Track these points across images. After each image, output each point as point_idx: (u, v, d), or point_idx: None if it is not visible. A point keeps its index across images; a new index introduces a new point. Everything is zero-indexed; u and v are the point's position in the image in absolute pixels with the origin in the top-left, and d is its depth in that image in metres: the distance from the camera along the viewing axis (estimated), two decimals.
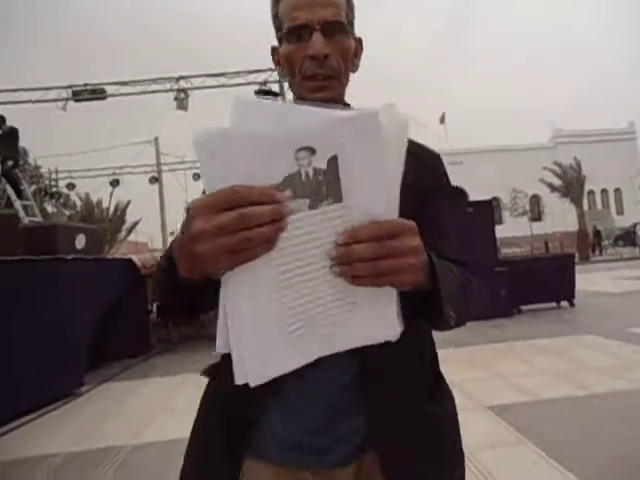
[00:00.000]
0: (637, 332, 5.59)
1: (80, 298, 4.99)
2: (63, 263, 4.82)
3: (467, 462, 2.85)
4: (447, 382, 0.91)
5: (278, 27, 0.86)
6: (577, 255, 22.07)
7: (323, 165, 0.53)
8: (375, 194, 0.54)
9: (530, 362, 4.73)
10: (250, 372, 0.56)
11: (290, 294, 0.56)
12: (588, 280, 11.97)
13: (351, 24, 0.86)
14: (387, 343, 0.61)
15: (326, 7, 0.81)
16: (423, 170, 0.83)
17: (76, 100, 11.05)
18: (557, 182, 25.86)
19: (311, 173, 0.53)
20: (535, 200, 39.02)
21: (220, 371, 0.78)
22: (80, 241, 5.96)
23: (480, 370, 4.61)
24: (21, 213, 8.10)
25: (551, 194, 27.44)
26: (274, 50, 0.90)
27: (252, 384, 0.56)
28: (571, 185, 24.84)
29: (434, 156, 0.91)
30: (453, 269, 0.74)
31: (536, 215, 37.94)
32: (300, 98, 0.84)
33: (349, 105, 0.90)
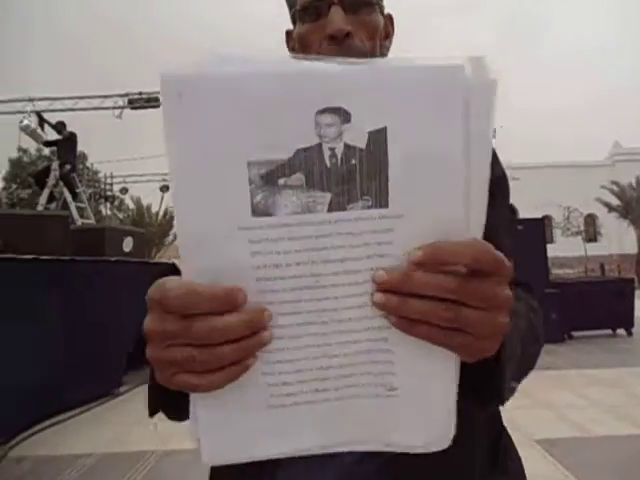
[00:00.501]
0: None
1: (123, 300, 5.10)
2: (108, 265, 4.95)
3: None
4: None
5: (291, 4, 0.70)
6: (637, 280, 20.78)
7: (361, 142, 0.33)
8: (448, 199, 0.34)
9: (582, 393, 4.42)
10: (205, 447, 0.37)
11: (281, 345, 0.35)
12: None
13: None
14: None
15: None
16: None
17: (132, 108, 11.58)
18: (615, 202, 24.62)
19: (339, 152, 0.33)
20: (591, 220, 37.20)
21: None
22: (128, 244, 6.12)
23: (526, 398, 4.33)
24: (75, 215, 8.46)
25: (608, 214, 26.13)
26: (289, 35, 0.74)
27: (205, 461, 0.37)
28: (630, 205, 23.55)
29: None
30: (519, 309, 0.52)
31: (591, 235, 36.17)
32: None
33: None
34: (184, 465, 3.11)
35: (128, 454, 3.33)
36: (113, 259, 5.07)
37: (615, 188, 24.65)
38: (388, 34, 0.74)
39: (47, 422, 3.98)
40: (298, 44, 0.68)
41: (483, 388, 0.44)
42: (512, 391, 0.48)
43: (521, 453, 2.76)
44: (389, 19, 0.74)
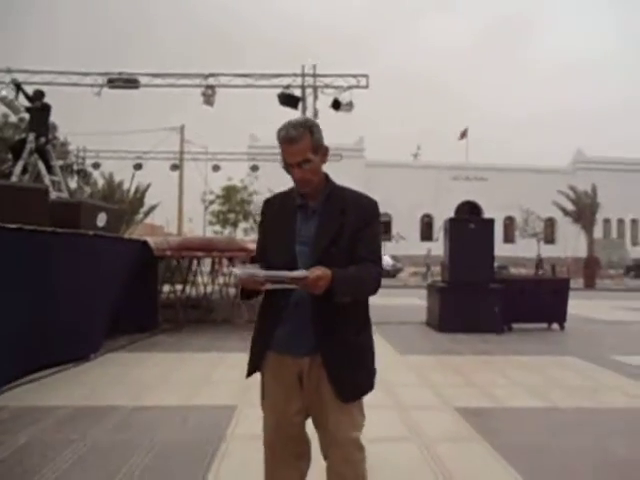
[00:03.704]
0: (619, 360, 5.77)
1: (102, 272, 5.41)
2: (87, 238, 5.25)
3: (425, 452, 3.21)
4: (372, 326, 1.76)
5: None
6: (583, 282, 22.06)
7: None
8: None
9: (507, 375, 5.00)
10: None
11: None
12: (586, 306, 12.11)
13: (317, 148, 1.61)
14: (336, 303, 1.53)
15: (297, 154, 1.57)
16: (361, 213, 1.65)
17: (110, 87, 11.63)
18: (571, 207, 25.83)
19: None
20: (550, 223, 38.81)
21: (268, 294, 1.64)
22: (102, 219, 6.37)
23: (458, 377, 4.92)
24: (49, 188, 8.54)
25: (565, 218, 27.40)
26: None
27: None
28: (583, 212, 24.80)
29: (371, 203, 1.70)
30: (353, 273, 1.55)
31: (550, 238, 37.77)
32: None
33: (328, 180, 1.71)
34: (153, 417, 3.52)
35: (101, 407, 3.71)
36: (91, 233, 5.36)
37: (571, 194, 25.82)
38: (324, 155, 1.65)
39: (25, 379, 4.32)
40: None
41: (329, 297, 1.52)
42: (347, 299, 1.56)
43: (440, 418, 3.57)
44: (325, 149, 1.65)
